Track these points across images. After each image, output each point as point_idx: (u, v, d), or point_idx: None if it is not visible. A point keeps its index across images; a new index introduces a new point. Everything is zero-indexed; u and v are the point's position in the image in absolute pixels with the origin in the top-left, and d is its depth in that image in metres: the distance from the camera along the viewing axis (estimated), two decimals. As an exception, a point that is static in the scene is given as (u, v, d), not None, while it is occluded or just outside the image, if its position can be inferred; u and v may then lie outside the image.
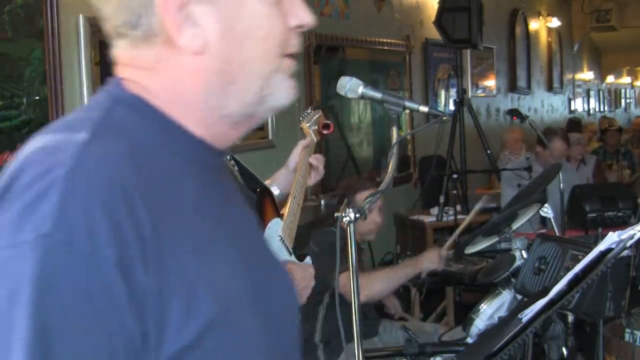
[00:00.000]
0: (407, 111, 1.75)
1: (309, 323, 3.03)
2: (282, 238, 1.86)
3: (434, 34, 5.61)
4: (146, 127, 0.75)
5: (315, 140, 2.19)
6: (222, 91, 0.77)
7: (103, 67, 3.10)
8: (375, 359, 2.69)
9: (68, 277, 0.62)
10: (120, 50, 0.81)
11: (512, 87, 8.41)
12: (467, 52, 6.68)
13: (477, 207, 3.24)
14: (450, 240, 3.19)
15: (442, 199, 5.08)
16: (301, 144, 2.13)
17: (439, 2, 5.34)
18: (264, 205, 1.86)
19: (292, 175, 2.10)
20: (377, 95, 1.72)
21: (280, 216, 1.95)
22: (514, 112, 4.99)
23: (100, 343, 0.63)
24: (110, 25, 0.78)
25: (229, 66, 0.76)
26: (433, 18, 5.40)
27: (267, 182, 2.12)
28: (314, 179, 2.10)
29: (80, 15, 2.97)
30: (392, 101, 1.70)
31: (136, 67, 0.80)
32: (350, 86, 1.74)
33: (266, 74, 0.77)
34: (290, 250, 1.89)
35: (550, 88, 10.17)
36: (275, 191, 2.09)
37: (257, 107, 0.79)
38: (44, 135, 0.73)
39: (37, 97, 2.79)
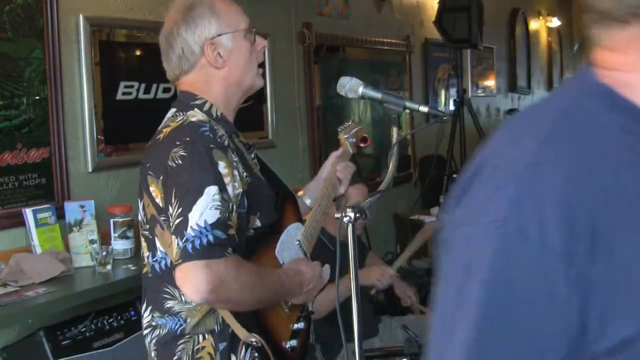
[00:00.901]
0: (407, 111, 1.75)
1: None
2: (300, 243, 1.82)
3: (434, 34, 5.61)
4: (611, 120, 0.71)
5: (351, 152, 2.19)
6: None
7: (103, 67, 3.10)
8: (375, 358, 2.69)
9: (518, 264, 0.66)
10: (603, 34, 0.72)
11: (512, 87, 8.40)
12: (467, 52, 6.67)
13: (419, 237, 3.25)
14: (398, 262, 3.19)
15: (442, 199, 5.08)
16: (334, 154, 2.13)
17: (439, 2, 5.33)
18: (285, 208, 1.82)
19: (322, 185, 2.07)
20: (377, 95, 1.72)
21: (302, 221, 1.90)
22: (514, 112, 5.00)
23: (538, 329, 0.66)
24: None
25: None
26: (433, 18, 5.39)
27: (300, 193, 2.08)
28: (342, 189, 2.09)
29: (80, 15, 2.97)
30: (392, 101, 1.71)
31: (611, 51, 0.72)
32: (350, 86, 1.74)
33: None
34: (308, 256, 1.86)
35: (550, 88, 10.17)
36: (307, 201, 2.07)
37: None
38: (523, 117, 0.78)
39: (37, 97, 2.79)
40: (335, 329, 2.81)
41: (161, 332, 1.65)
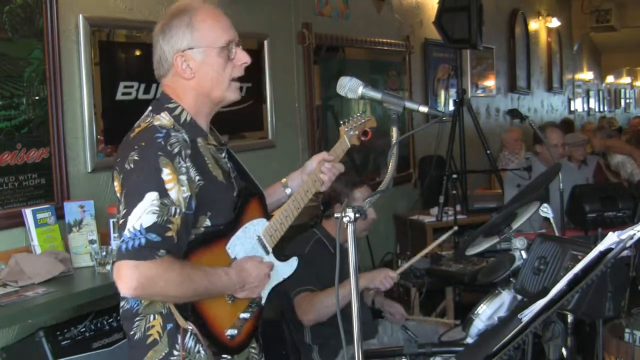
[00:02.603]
0: (407, 111, 1.74)
1: (299, 323, 3.03)
2: (259, 238, 1.93)
3: (434, 34, 5.61)
4: None
5: (349, 144, 2.20)
6: None
7: (103, 67, 3.10)
8: (375, 358, 2.69)
9: None
10: None
11: (512, 87, 8.41)
12: (467, 52, 6.68)
13: (443, 237, 3.23)
14: (405, 266, 3.17)
15: (441, 199, 5.08)
16: (323, 153, 2.16)
17: (438, 2, 5.34)
18: (247, 205, 1.92)
19: (305, 178, 2.14)
20: (377, 95, 1.72)
21: (269, 217, 2.00)
22: (513, 112, 5.00)
23: None
24: None
25: None
26: (433, 18, 5.39)
27: (283, 180, 2.17)
28: (323, 188, 2.13)
29: (80, 15, 2.98)
30: (392, 101, 1.70)
31: None
32: (350, 86, 1.74)
33: None
34: (269, 249, 1.96)
35: (550, 88, 10.17)
36: (287, 190, 2.15)
37: None
38: None
39: (37, 97, 2.79)
40: (332, 330, 2.81)
41: (125, 306, 1.85)
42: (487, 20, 5.81)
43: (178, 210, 1.70)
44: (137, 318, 1.82)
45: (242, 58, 1.87)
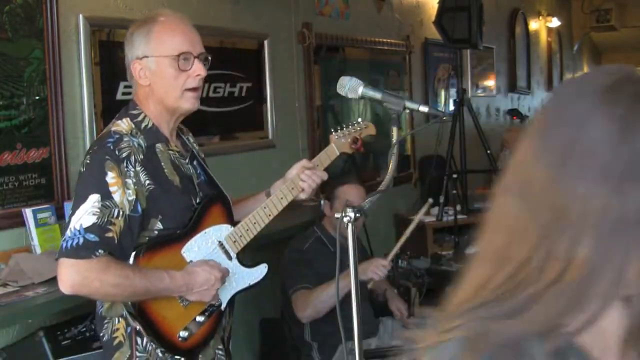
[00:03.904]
0: (407, 111, 1.75)
1: (298, 321, 3.04)
2: (221, 243, 1.96)
3: (434, 34, 5.61)
4: None
5: (337, 152, 2.20)
6: None
7: (103, 67, 3.10)
8: (375, 358, 2.69)
9: None
10: None
11: (512, 87, 8.41)
12: (467, 52, 6.67)
13: (422, 210, 3.24)
14: (393, 251, 3.18)
15: (442, 199, 5.08)
16: (304, 161, 2.18)
17: (439, 2, 5.34)
18: (208, 211, 1.96)
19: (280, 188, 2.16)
20: (377, 95, 1.72)
21: (234, 223, 2.04)
22: (514, 112, 5.00)
23: None
24: None
25: None
26: (433, 18, 5.39)
27: (267, 190, 2.20)
28: (303, 195, 2.14)
29: (80, 15, 2.97)
30: (392, 101, 1.71)
31: None
32: (350, 86, 1.74)
33: None
34: (233, 255, 1.99)
35: (550, 88, 10.17)
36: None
37: None
38: None
39: (37, 97, 2.79)
40: (331, 328, 2.82)
41: (96, 309, 1.95)
42: (487, 20, 5.81)
43: (121, 212, 1.78)
44: (106, 320, 1.90)
45: (197, 70, 1.92)
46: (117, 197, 1.78)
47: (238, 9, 3.93)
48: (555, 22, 9.87)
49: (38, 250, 2.63)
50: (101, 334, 1.91)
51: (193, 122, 2.30)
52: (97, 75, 3.06)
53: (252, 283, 2.05)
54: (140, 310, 1.82)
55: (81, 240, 1.74)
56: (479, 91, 7.45)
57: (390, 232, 5.53)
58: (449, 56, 6.11)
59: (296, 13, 4.48)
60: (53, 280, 2.50)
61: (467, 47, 5.68)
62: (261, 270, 2.07)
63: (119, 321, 1.88)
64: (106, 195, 1.78)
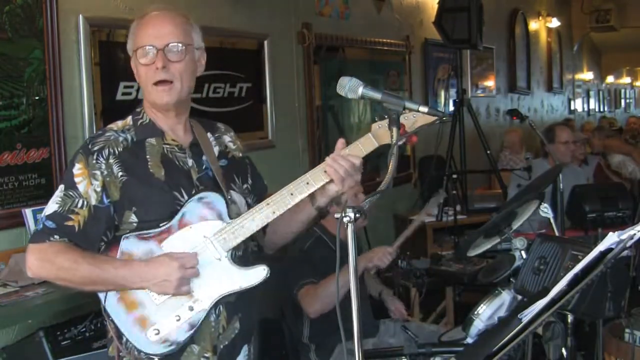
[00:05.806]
0: (407, 111, 1.74)
1: (297, 322, 3.04)
2: (209, 240, 1.86)
3: (434, 34, 5.61)
4: None
5: (376, 143, 1.92)
6: None
7: (103, 67, 3.10)
8: (375, 358, 2.69)
9: None
10: None
11: (512, 87, 8.41)
12: (467, 52, 6.68)
13: (429, 205, 3.23)
14: (400, 240, 3.17)
15: (442, 199, 5.08)
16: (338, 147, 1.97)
17: (438, 2, 5.34)
18: (197, 205, 1.89)
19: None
20: (377, 95, 1.72)
21: (227, 220, 1.90)
22: (513, 112, 4.99)
23: None
24: None
25: None
26: (433, 18, 5.40)
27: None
28: (336, 186, 1.96)
29: (80, 15, 2.98)
30: (392, 101, 1.70)
31: None
32: (350, 86, 1.73)
33: None
34: (222, 253, 1.86)
35: (550, 88, 10.17)
36: (316, 205, 1.99)
37: None
38: None
39: (37, 97, 2.79)
40: (330, 329, 2.81)
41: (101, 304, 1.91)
42: (487, 20, 5.81)
43: (85, 203, 1.82)
44: (106, 314, 1.90)
45: (157, 62, 1.85)
46: (81, 187, 1.83)
47: (238, 9, 3.93)
48: (555, 23, 9.87)
49: (38, 250, 2.63)
50: (107, 329, 1.93)
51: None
52: (97, 76, 3.06)
53: (245, 286, 1.87)
54: (112, 306, 1.82)
55: (41, 226, 1.82)
56: (479, 91, 7.45)
57: (390, 232, 5.53)
58: (448, 56, 6.11)
59: (296, 13, 4.49)
60: (53, 280, 2.50)
61: (467, 48, 5.68)
62: (259, 272, 1.89)
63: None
64: (70, 186, 1.83)
